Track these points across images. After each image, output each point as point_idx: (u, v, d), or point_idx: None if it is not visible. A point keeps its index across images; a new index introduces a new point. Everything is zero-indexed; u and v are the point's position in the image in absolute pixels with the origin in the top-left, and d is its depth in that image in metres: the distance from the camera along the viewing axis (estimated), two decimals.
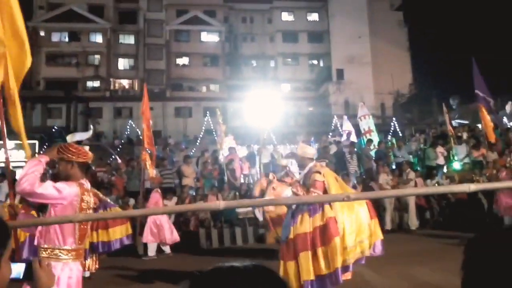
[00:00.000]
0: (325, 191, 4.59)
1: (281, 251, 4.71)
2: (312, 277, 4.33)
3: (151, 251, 8.50)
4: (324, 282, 4.32)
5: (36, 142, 18.33)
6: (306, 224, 4.48)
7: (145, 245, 8.63)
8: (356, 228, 4.60)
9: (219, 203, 1.66)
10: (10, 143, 17.95)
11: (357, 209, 4.69)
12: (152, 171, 9.22)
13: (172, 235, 8.53)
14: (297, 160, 5.31)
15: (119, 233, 6.50)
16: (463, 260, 0.89)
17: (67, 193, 2.74)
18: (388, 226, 10.03)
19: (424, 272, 6.03)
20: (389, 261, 6.75)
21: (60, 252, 2.73)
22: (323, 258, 4.37)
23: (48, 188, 2.66)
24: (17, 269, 1.41)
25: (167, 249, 8.65)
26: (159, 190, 9.00)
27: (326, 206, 4.49)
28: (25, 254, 6.77)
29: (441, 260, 6.60)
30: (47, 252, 2.73)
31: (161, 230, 8.41)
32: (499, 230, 0.93)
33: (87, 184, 2.97)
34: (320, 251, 4.39)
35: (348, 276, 4.73)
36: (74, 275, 2.74)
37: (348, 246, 4.43)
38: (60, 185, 2.74)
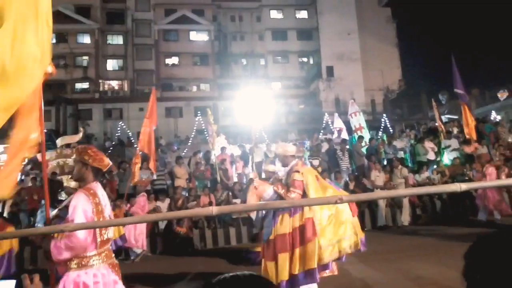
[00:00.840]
0: (304, 191, 4.62)
1: (262, 250, 4.77)
2: (287, 277, 4.40)
3: (132, 255, 8.52)
4: (297, 280, 4.38)
5: None
6: (286, 225, 4.53)
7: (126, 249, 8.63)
8: (335, 228, 4.62)
9: (212, 209, 1.64)
10: None
11: (338, 207, 4.69)
12: (139, 175, 9.15)
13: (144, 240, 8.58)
14: (279, 160, 5.31)
15: (116, 233, 6.49)
16: (465, 266, 0.90)
17: (89, 216, 2.72)
18: (381, 222, 10.13)
19: (418, 267, 6.08)
20: (384, 257, 6.83)
21: (84, 259, 2.71)
22: (300, 258, 4.44)
23: (79, 233, 2.60)
24: (8, 286, 1.37)
25: (138, 251, 8.62)
26: (145, 194, 8.98)
27: (305, 207, 4.53)
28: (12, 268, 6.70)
29: (435, 254, 6.70)
30: (75, 263, 2.69)
31: (139, 235, 8.41)
32: (497, 235, 0.94)
33: (100, 190, 2.93)
34: (297, 251, 4.45)
35: (328, 273, 4.78)
36: (100, 279, 2.71)
37: (322, 245, 4.46)
38: (79, 214, 2.68)
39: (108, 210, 2.93)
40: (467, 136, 10.56)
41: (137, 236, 8.43)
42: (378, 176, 10.67)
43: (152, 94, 9.56)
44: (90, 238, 2.69)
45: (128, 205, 9.03)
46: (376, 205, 10.21)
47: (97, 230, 2.75)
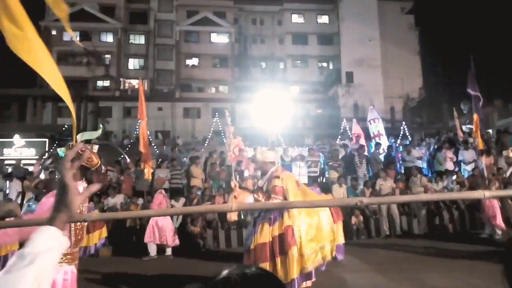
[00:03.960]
0: (284, 197, 4.57)
1: (244, 260, 4.73)
2: None
3: (152, 251, 8.52)
4: None
5: (47, 140, 18.53)
6: (266, 234, 4.50)
7: (146, 246, 8.65)
8: (316, 234, 4.57)
9: (231, 205, 1.65)
10: (21, 141, 18.20)
11: (319, 214, 4.65)
12: (149, 172, 9.22)
13: (173, 237, 8.55)
14: (258, 165, 5.26)
15: (97, 238, 6.52)
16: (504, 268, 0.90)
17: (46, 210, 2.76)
18: (397, 230, 10.01)
19: (432, 277, 5.98)
20: (398, 266, 6.74)
21: None
22: (281, 268, 4.38)
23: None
24: None
25: (168, 251, 8.63)
26: (163, 192, 9.04)
27: (285, 215, 4.48)
28: None
29: (449, 265, 6.58)
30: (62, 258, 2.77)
31: (162, 232, 8.42)
32: None
33: (81, 187, 2.97)
34: (278, 260, 4.40)
35: (309, 284, 4.72)
36: (69, 277, 2.80)
37: (305, 254, 4.40)
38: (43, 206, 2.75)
39: (85, 209, 2.98)
40: (481, 147, 10.35)
41: (161, 233, 8.42)
42: (382, 185, 10.51)
43: (139, 85, 9.44)
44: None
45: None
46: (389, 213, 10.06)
47: (73, 230, 2.82)
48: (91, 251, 6.46)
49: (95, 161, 3.02)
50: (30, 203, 9.25)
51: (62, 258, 2.76)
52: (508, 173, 7.04)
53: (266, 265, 4.38)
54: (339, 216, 4.95)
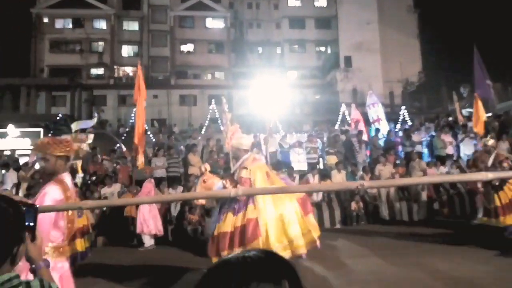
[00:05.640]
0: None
1: (208, 246, 4.71)
2: None
3: (146, 242, 8.46)
4: None
5: (41, 130, 18.26)
6: (228, 223, 4.44)
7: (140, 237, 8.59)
8: (283, 227, 4.46)
9: (230, 191, 1.51)
10: (15, 131, 17.97)
11: (287, 206, 4.54)
12: (142, 161, 9.08)
13: (159, 228, 8.54)
14: (232, 152, 5.14)
15: (79, 246, 6.35)
16: None
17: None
18: (397, 216, 9.95)
19: (433, 262, 5.99)
20: (397, 251, 6.75)
21: (60, 248, 2.77)
22: None
23: (45, 223, 2.58)
24: None
25: (151, 241, 8.56)
26: (152, 180, 8.94)
27: (250, 206, 4.39)
28: None
29: (450, 250, 6.61)
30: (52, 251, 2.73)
31: (148, 222, 8.39)
32: None
33: (68, 178, 2.92)
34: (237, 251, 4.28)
35: None
36: (65, 271, 2.77)
37: (273, 246, 4.26)
38: (47, 202, 2.67)
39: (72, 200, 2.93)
40: (476, 131, 10.20)
41: (150, 222, 8.38)
42: (382, 170, 10.40)
43: (138, 69, 9.14)
44: (52, 230, 2.69)
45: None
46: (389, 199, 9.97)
47: (65, 223, 2.78)
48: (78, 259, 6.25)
49: (73, 146, 2.95)
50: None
51: (54, 252, 2.70)
52: (490, 162, 6.93)
53: (225, 254, 4.28)
54: (309, 209, 4.82)
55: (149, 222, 8.39)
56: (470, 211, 9.95)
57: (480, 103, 9.90)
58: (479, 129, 9.86)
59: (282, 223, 4.45)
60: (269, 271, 0.73)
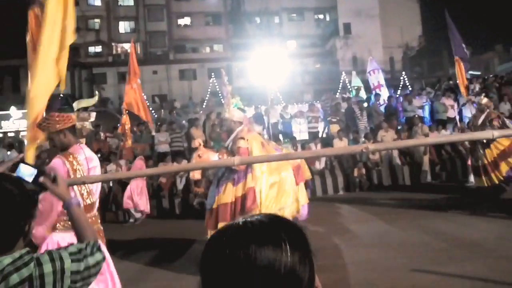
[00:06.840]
0: None
1: (206, 218, 4.74)
2: None
3: (132, 217, 8.73)
4: None
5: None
6: (229, 194, 4.50)
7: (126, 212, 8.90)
8: (277, 196, 4.57)
9: (233, 159, 1.58)
10: (18, 113, 18.05)
11: (282, 174, 4.64)
12: (131, 137, 9.21)
13: (146, 203, 8.75)
14: (225, 125, 5.18)
15: None
16: None
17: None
18: (400, 180, 10.10)
19: (437, 223, 6.11)
20: (400, 215, 6.86)
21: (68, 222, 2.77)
22: None
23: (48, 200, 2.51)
24: (29, 172, 1.48)
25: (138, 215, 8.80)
26: (143, 157, 9.10)
27: (249, 176, 4.47)
28: None
29: (454, 212, 6.68)
30: (61, 225, 2.72)
31: (135, 197, 8.60)
32: None
33: (81, 150, 2.87)
34: None
35: None
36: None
37: None
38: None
39: (85, 172, 2.83)
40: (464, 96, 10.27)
41: (137, 199, 8.59)
42: (384, 136, 10.46)
43: (131, 47, 9.10)
44: (60, 206, 2.65)
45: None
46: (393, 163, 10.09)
47: (79, 195, 2.72)
48: None
49: (72, 117, 2.92)
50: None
51: (63, 224, 2.69)
52: (480, 120, 6.98)
53: None
54: (301, 178, 4.94)
55: (135, 198, 8.58)
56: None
57: (462, 65, 9.94)
58: (463, 90, 9.98)
59: (276, 190, 4.57)
60: (268, 234, 0.71)
